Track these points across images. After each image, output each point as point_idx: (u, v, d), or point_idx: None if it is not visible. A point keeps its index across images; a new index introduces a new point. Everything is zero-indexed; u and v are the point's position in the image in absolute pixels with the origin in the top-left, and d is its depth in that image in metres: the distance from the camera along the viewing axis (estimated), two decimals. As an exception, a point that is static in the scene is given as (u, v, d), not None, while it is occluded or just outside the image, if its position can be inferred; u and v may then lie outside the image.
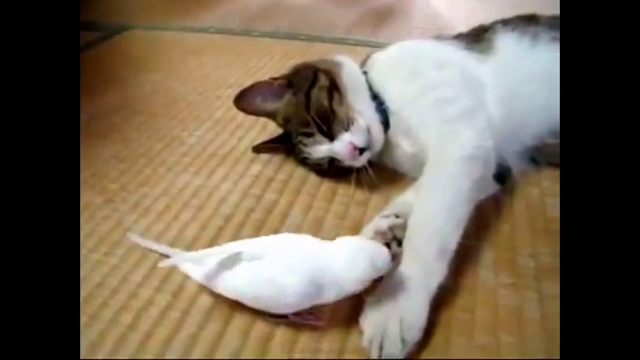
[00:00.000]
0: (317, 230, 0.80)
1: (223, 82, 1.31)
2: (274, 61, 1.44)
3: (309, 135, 0.86)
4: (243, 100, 0.93)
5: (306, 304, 0.61)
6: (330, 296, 0.60)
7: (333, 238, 0.63)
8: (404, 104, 0.86)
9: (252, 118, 1.11)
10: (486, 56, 0.89)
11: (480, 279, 0.70)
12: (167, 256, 0.73)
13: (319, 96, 0.87)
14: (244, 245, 0.66)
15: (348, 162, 0.85)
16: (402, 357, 0.59)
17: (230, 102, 0.95)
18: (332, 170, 0.89)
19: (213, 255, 0.67)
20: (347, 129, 0.83)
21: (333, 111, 0.85)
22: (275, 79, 0.94)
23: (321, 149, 0.86)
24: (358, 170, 0.86)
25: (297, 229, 0.80)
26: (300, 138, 0.88)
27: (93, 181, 0.93)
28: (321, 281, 0.59)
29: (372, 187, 0.87)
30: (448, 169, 0.76)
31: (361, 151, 0.83)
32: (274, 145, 0.99)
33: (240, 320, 0.65)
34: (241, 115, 1.12)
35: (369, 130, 0.84)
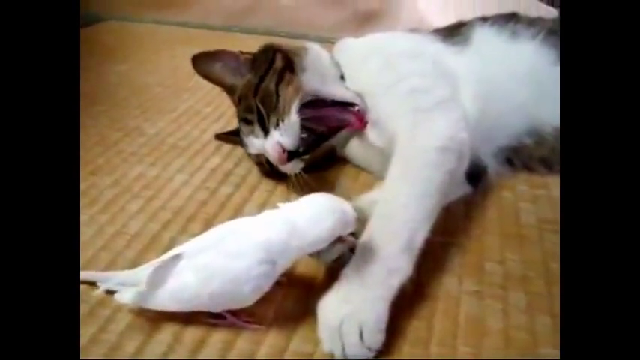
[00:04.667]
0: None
1: (193, 74, 1.25)
2: (251, 57, 1.38)
3: (249, 122, 0.80)
4: (202, 62, 0.86)
5: (266, 285, 0.55)
6: (286, 263, 0.56)
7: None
8: (375, 94, 0.80)
9: (219, 110, 1.06)
10: (462, 48, 0.84)
11: (443, 285, 0.64)
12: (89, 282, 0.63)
13: (269, 80, 0.80)
14: (181, 248, 0.59)
15: (276, 165, 0.78)
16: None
17: (198, 94, 0.90)
18: (273, 170, 0.81)
19: (146, 268, 0.58)
20: (277, 125, 0.76)
21: (277, 95, 0.78)
22: (243, 53, 0.88)
23: (255, 143, 0.79)
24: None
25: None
26: (241, 124, 0.81)
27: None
28: (272, 256, 0.54)
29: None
30: (419, 159, 0.69)
31: (291, 155, 0.76)
32: (237, 137, 0.92)
33: (172, 324, 0.58)
34: (208, 107, 1.08)
35: (303, 128, 0.76)
